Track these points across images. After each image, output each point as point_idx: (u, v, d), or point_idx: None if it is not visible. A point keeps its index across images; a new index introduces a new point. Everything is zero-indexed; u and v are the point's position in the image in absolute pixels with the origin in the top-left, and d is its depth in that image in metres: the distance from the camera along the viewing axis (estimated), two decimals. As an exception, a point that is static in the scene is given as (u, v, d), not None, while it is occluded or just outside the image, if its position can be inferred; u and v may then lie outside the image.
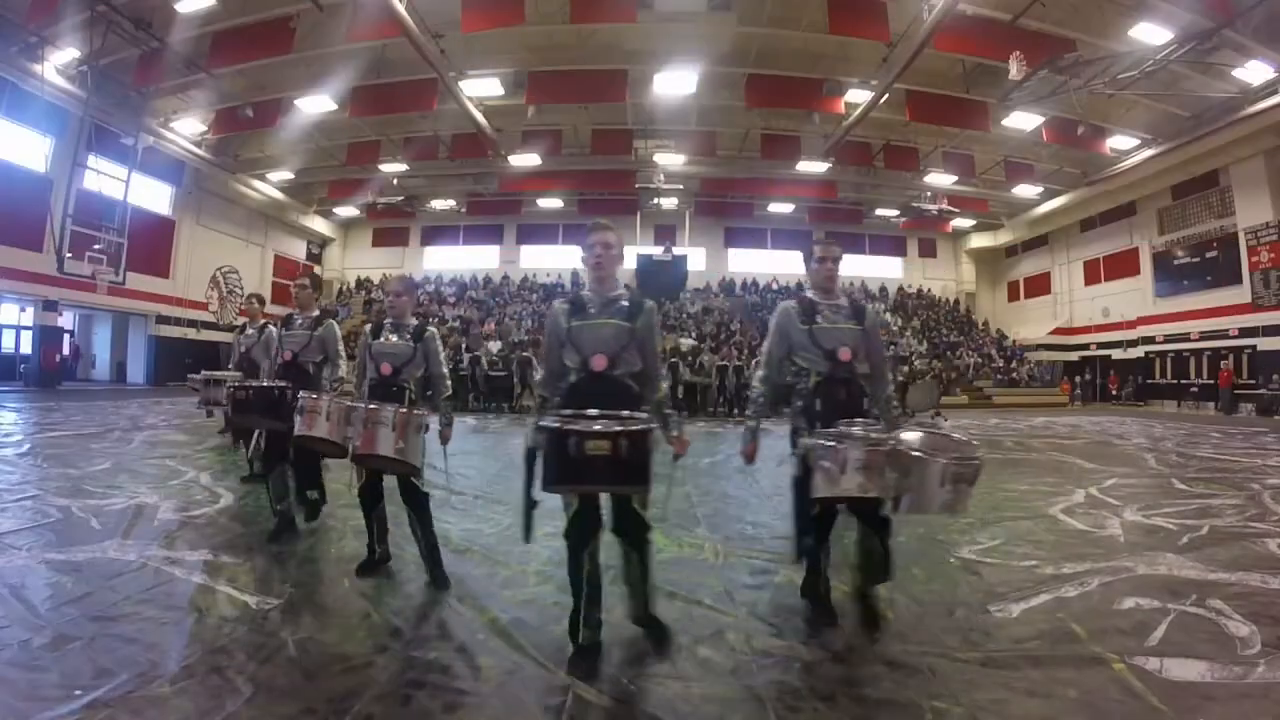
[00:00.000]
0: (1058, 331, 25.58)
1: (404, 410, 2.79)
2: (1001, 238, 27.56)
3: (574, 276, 26.87)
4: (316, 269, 28.41)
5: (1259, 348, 17.89)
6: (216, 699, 1.90)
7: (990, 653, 2.33)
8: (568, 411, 2.17)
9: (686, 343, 19.61)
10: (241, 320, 5.84)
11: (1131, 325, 22.48)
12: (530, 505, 2.21)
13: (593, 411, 2.11)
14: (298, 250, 27.43)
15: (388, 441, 2.71)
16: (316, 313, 4.14)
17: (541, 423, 2.08)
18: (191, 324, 21.27)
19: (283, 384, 3.70)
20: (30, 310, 17.58)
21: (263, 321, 5.47)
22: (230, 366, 6.91)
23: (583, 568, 2.26)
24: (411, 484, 2.99)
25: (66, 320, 19.27)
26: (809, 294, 2.76)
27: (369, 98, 16.10)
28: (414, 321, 3.30)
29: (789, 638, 2.47)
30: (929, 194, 21.78)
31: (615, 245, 2.46)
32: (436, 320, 22.64)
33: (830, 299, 2.69)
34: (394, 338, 3.20)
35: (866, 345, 2.65)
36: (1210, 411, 18.63)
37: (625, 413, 2.12)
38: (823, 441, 2.26)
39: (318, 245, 28.60)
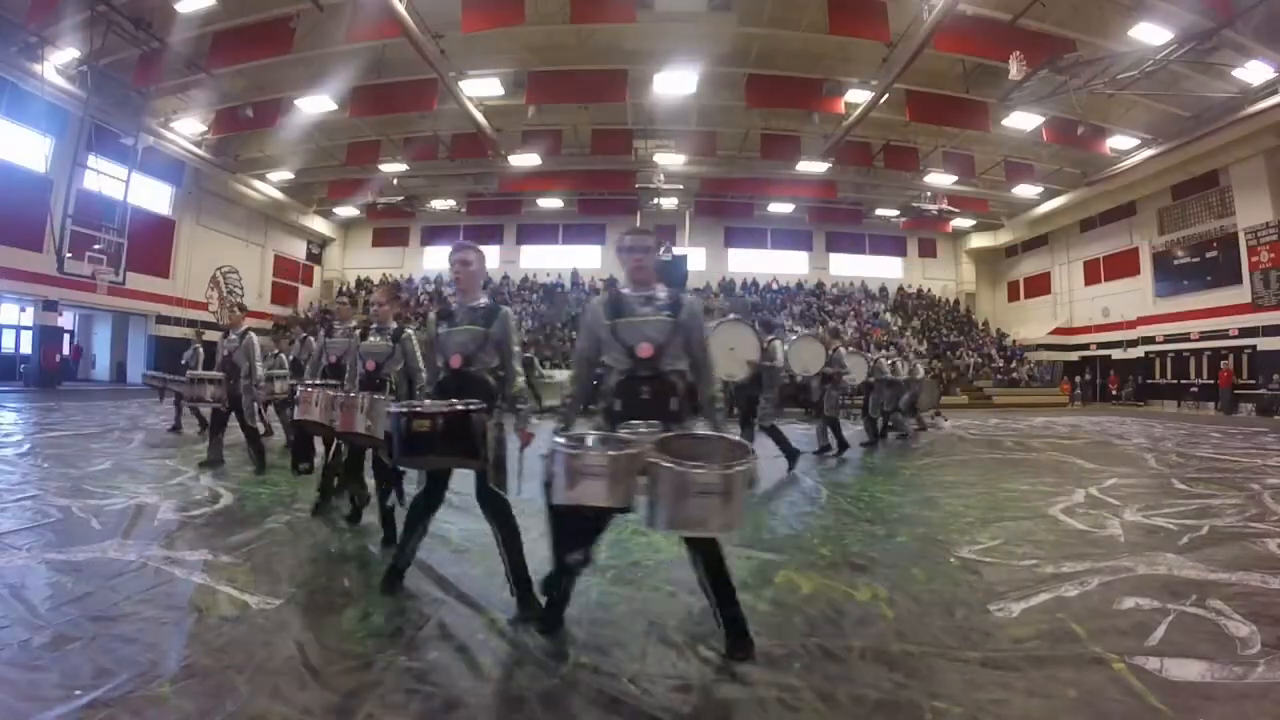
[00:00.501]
0: (1058, 331, 25.59)
1: (372, 397, 3.43)
2: (1001, 238, 27.57)
3: (574, 276, 26.90)
4: (317, 269, 28.45)
5: (1259, 348, 17.90)
6: (216, 699, 1.90)
7: (990, 653, 2.32)
8: (423, 401, 2.78)
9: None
10: (225, 325, 6.32)
11: (1131, 325, 22.49)
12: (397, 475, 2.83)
13: (430, 401, 2.66)
14: (298, 250, 27.43)
15: (360, 421, 3.38)
16: (354, 323, 4.76)
17: (388, 409, 2.52)
18: (191, 324, 21.26)
19: (333, 382, 4.30)
20: (30, 310, 17.59)
21: (244, 328, 5.92)
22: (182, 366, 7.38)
23: (416, 528, 2.84)
24: (379, 458, 3.67)
25: (66, 320, 19.28)
26: (622, 288, 2.57)
27: (369, 98, 16.10)
28: (394, 325, 3.99)
29: (789, 638, 2.47)
30: (929, 194, 21.78)
31: (474, 263, 2.85)
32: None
33: (642, 291, 2.51)
34: (376, 339, 3.92)
35: (685, 340, 2.44)
36: (1210, 411, 18.63)
37: (455, 399, 2.56)
38: (560, 444, 2.06)
39: (318, 245, 28.59)
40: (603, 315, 2.49)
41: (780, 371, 6.80)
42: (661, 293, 2.49)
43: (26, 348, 18.26)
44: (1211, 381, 19.32)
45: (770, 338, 6.77)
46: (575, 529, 2.23)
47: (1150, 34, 12.70)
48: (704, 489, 1.89)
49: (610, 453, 2.02)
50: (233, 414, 5.87)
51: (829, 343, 8.03)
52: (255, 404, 5.88)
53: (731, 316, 7.58)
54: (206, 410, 6.94)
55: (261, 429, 6.12)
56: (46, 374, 17.20)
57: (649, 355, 2.37)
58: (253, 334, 5.82)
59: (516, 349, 2.81)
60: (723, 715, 1.94)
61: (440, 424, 2.43)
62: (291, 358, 7.84)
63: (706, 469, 1.92)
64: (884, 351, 11.19)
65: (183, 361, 9.21)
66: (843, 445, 7.83)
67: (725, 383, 6.41)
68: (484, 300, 2.87)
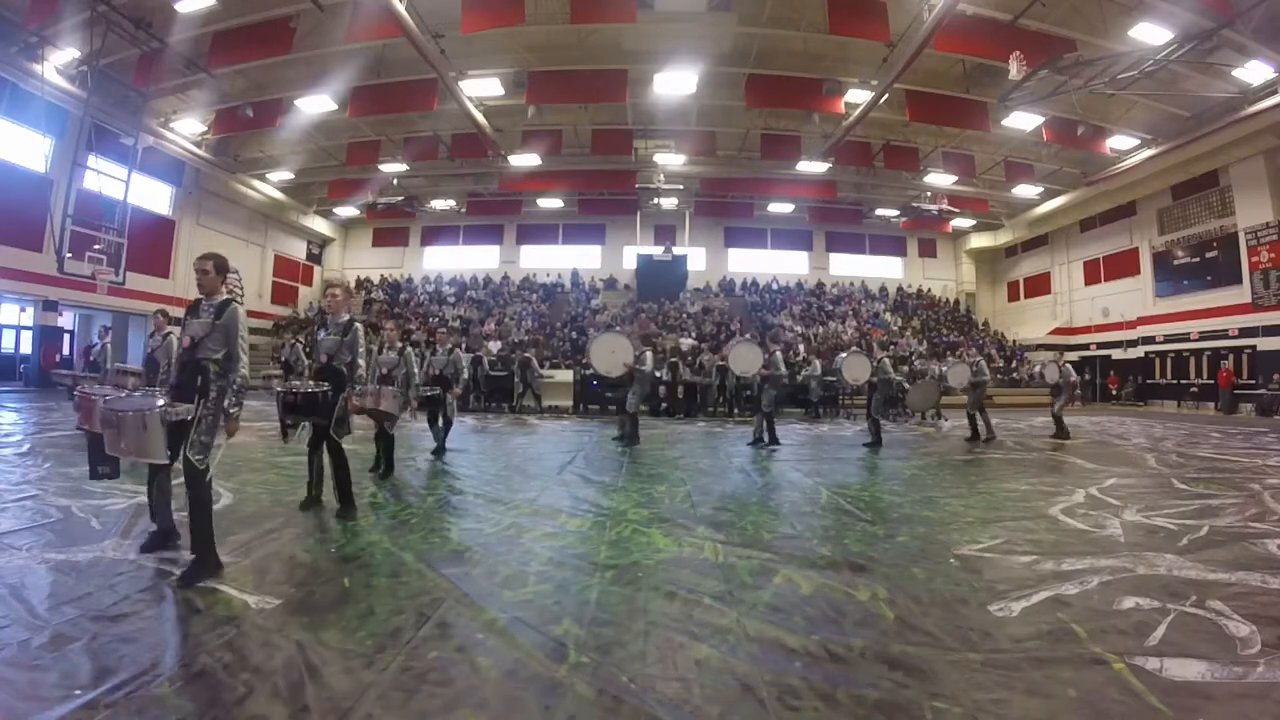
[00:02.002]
0: (1058, 331, 25.57)
1: (387, 387, 5.08)
2: (1001, 238, 27.55)
3: (574, 276, 26.91)
4: (317, 269, 28.45)
5: (1259, 348, 17.90)
6: (216, 699, 1.90)
7: (990, 653, 2.33)
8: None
9: (687, 343, 19.62)
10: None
11: (1131, 325, 22.49)
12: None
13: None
14: (298, 250, 27.41)
15: (385, 401, 5.08)
16: (450, 344, 5.77)
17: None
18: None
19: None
20: (30, 310, 17.58)
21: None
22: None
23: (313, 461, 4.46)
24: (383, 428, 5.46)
25: (66, 320, 19.26)
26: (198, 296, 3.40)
27: (369, 98, 16.09)
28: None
29: (789, 637, 2.47)
30: (929, 194, 21.77)
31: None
32: (436, 320, 22.68)
33: (207, 300, 3.30)
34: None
35: (224, 337, 3.22)
36: (1210, 411, 18.64)
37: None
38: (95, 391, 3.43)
39: (318, 245, 28.58)
40: (185, 317, 3.33)
41: (649, 373, 8.61)
42: (217, 300, 3.29)
43: (26, 348, 18.25)
44: (1211, 381, 19.32)
45: (643, 348, 8.78)
46: (99, 449, 2.97)
47: (1150, 34, 12.69)
48: (112, 423, 2.94)
49: (92, 397, 3.08)
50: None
51: (768, 347, 9.30)
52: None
53: (616, 329, 9.48)
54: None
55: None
56: (46, 374, 17.18)
57: (187, 345, 3.22)
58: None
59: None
60: (723, 715, 1.94)
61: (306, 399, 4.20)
62: (283, 359, 8.02)
63: (107, 408, 2.98)
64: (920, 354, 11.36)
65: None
66: (773, 440, 8.91)
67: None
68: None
